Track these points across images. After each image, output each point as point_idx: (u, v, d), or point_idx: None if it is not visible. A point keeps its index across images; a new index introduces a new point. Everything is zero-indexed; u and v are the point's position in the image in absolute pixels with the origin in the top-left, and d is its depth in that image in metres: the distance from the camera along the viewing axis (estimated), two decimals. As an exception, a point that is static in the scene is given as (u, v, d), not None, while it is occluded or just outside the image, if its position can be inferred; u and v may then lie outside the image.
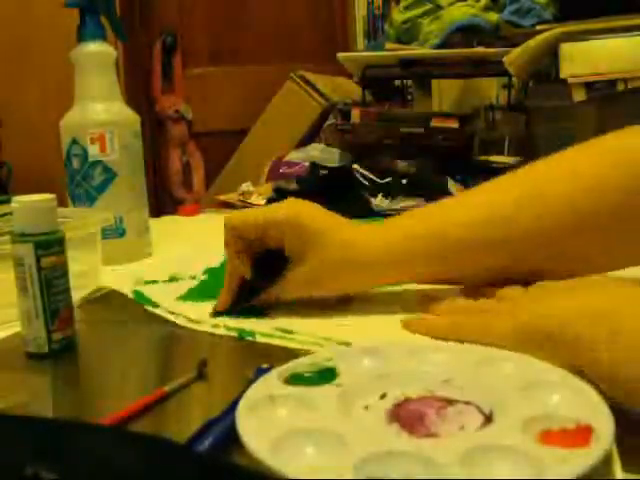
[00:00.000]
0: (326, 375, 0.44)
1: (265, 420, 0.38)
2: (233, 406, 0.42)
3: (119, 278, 0.72)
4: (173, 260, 0.83)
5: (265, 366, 0.47)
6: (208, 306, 0.63)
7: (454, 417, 0.39)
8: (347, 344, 0.53)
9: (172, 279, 0.72)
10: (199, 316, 0.62)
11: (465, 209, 0.60)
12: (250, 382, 0.45)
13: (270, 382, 0.43)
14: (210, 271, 0.75)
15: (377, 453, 0.34)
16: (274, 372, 0.44)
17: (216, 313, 0.62)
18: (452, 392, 0.42)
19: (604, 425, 0.35)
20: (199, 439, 0.39)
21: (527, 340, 0.46)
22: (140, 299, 0.65)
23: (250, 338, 0.57)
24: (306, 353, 0.49)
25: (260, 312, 0.61)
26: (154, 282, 0.71)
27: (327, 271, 0.59)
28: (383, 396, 0.42)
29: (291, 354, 0.52)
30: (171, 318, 0.62)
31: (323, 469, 0.34)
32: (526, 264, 0.58)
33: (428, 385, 0.43)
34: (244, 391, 0.44)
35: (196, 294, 0.68)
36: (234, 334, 0.58)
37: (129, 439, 0.35)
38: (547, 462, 0.33)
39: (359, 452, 0.34)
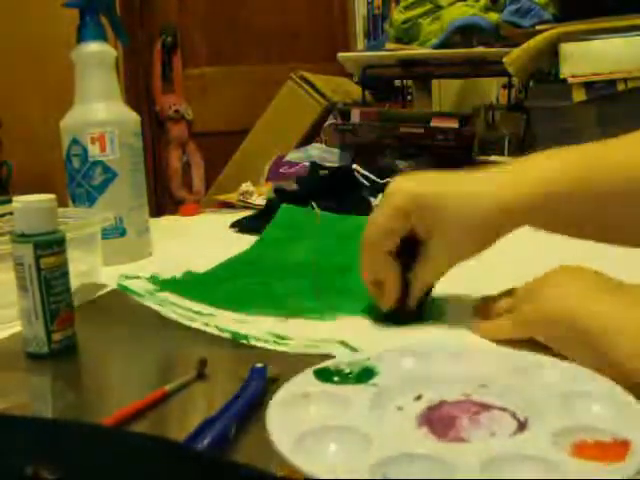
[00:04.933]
0: (364, 374, 0.44)
1: (295, 416, 0.38)
2: (229, 405, 0.42)
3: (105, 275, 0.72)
4: (172, 260, 0.82)
5: (259, 365, 0.47)
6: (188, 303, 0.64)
7: (486, 423, 0.39)
8: (344, 344, 0.53)
9: (152, 277, 0.71)
10: (187, 312, 0.62)
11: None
12: (245, 381, 0.46)
13: (307, 379, 0.43)
14: (189, 274, 0.75)
15: (396, 455, 0.34)
16: (311, 369, 0.44)
17: (387, 317, 0.59)
18: (489, 397, 0.41)
19: None
20: (197, 438, 0.39)
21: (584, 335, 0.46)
22: (125, 291, 0.66)
23: (244, 341, 0.57)
24: (304, 355, 0.49)
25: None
26: (137, 277, 0.70)
27: (467, 234, 0.55)
28: (418, 398, 0.42)
29: (293, 355, 0.52)
30: (157, 309, 0.62)
31: (339, 468, 0.34)
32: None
33: (465, 389, 0.42)
34: (240, 390, 0.44)
35: (173, 285, 0.68)
36: (227, 335, 0.58)
37: (129, 439, 0.35)
38: (574, 475, 0.32)
39: (380, 453, 0.34)
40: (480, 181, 0.57)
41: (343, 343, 0.53)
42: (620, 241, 0.58)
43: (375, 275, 0.59)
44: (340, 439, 0.36)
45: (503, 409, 0.40)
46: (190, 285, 0.70)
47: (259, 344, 0.56)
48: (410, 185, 0.57)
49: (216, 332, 0.58)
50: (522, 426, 0.38)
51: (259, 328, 0.58)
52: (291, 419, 0.38)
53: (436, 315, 0.60)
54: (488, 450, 0.34)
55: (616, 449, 0.34)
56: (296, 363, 0.45)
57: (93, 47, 0.84)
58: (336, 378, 0.43)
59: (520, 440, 0.36)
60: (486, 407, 0.40)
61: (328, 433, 0.37)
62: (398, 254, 0.58)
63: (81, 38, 0.84)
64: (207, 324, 0.60)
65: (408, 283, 0.58)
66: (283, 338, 0.56)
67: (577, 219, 0.56)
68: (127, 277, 0.70)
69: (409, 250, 0.58)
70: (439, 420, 0.39)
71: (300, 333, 0.57)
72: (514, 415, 0.39)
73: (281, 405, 0.39)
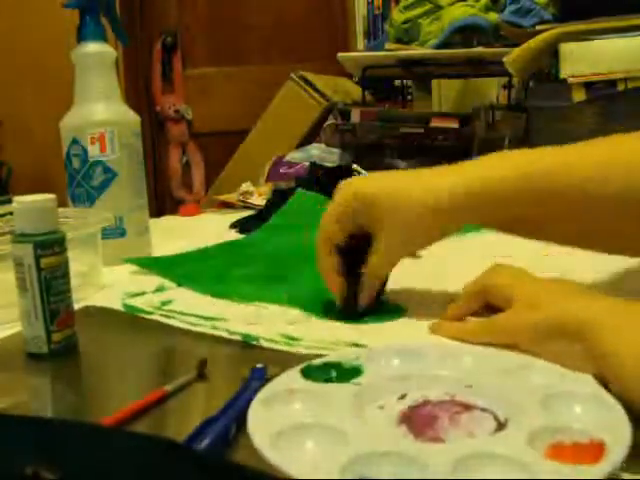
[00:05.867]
0: (350, 373, 0.44)
1: (276, 414, 0.39)
2: (229, 406, 0.42)
3: (107, 293, 0.71)
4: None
5: (260, 366, 0.47)
6: (202, 299, 0.66)
7: (466, 423, 0.39)
8: (357, 346, 0.53)
9: (159, 289, 0.71)
10: (196, 319, 0.62)
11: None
12: (245, 382, 0.46)
13: (292, 377, 0.43)
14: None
15: (368, 453, 0.34)
16: (298, 367, 0.44)
17: (344, 312, 0.60)
18: (473, 398, 0.41)
19: (619, 443, 0.34)
20: (197, 438, 0.39)
21: (550, 335, 0.45)
22: (132, 311, 0.65)
23: (255, 343, 0.56)
24: (305, 354, 0.49)
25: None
26: (142, 294, 0.69)
27: (418, 226, 0.58)
28: (402, 397, 0.42)
29: (294, 356, 0.52)
30: (168, 322, 0.62)
31: (311, 465, 0.34)
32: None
33: (450, 389, 0.42)
34: (240, 391, 0.44)
35: (190, 278, 0.72)
36: (237, 338, 0.57)
37: (129, 439, 0.35)
38: (543, 475, 0.32)
39: (353, 451, 0.34)
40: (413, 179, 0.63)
41: (355, 345, 0.53)
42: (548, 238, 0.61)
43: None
44: (317, 437, 0.36)
45: (485, 410, 0.40)
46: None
47: (270, 345, 0.55)
48: (356, 182, 0.62)
49: (226, 335, 0.58)
50: (501, 427, 0.38)
51: (270, 329, 0.58)
52: (272, 416, 0.38)
53: (395, 314, 0.60)
54: (462, 450, 0.34)
55: (592, 450, 0.34)
56: (296, 363, 0.45)
57: (93, 47, 0.84)
58: (322, 376, 0.43)
59: (495, 440, 0.36)
60: (468, 407, 0.40)
61: (305, 431, 0.37)
62: (348, 253, 0.60)
63: (81, 38, 0.84)
64: (216, 327, 0.59)
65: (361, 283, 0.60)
66: (294, 339, 0.56)
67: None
68: (133, 295, 0.69)
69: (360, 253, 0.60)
70: (419, 419, 0.39)
71: (310, 334, 0.56)
72: (495, 416, 0.39)
73: (264, 403, 0.39)
